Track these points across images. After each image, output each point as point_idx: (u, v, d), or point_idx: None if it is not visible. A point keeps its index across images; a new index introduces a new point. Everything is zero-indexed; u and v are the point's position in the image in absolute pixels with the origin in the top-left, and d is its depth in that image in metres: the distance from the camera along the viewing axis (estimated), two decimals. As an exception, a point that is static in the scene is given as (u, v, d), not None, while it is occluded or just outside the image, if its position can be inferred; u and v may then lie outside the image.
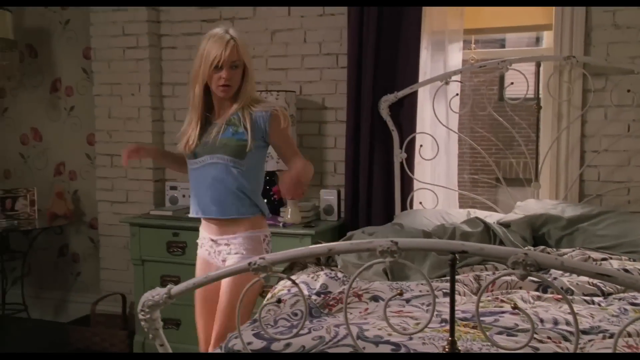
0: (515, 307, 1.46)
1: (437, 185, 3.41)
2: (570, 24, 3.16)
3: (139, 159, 2.79)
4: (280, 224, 3.30)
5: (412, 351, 1.59)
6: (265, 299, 2.34)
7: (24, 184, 4.26)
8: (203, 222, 2.46)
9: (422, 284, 2.23)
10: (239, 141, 2.30)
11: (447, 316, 1.77)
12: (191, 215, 2.46)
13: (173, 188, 3.86)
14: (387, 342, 1.64)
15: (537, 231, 2.81)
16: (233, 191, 2.33)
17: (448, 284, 2.10)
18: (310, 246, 1.77)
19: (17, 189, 4.02)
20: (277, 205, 3.48)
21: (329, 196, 3.52)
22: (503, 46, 5.35)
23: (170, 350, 1.75)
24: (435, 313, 1.90)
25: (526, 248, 2.57)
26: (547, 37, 3.42)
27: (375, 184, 3.44)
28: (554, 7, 3.21)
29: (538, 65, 3.26)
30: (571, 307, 1.35)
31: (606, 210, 2.88)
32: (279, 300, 1.93)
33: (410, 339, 1.67)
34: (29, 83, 4.31)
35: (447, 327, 1.76)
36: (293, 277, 2.39)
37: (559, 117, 3.22)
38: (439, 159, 3.41)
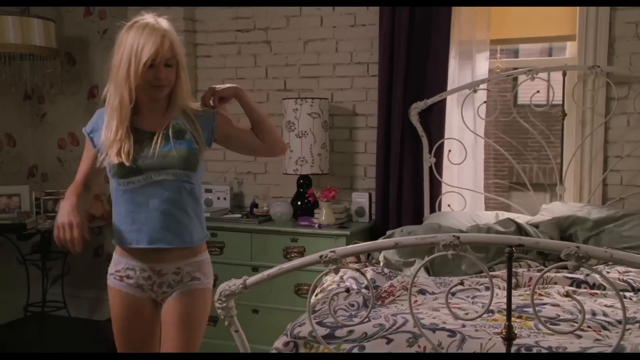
0: (567, 294, 1.61)
1: (465, 189, 3.56)
2: (594, 34, 3.31)
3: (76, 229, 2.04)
4: (316, 225, 3.45)
5: (467, 337, 1.74)
6: (314, 294, 2.48)
7: (61, 186, 4.42)
8: (132, 250, 2.06)
9: (463, 279, 2.38)
10: (190, 150, 2.01)
11: (493, 307, 1.93)
12: (126, 245, 2.06)
13: (208, 191, 4.01)
14: (443, 329, 1.79)
15: (564, 232, 2.96)
16: (188, 213, 2.03)
17: (486, 279, 2.26)
18: (378, 241, 1.92)
19: (58, 191, 4.18)
20: (311, 207, 3.64)
21: (360, 199, 3.67)
22: (517, 55, 5.51)
23: (244, 336, 1.89)
24: (481, 304, 2.06)
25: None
26: (571, 47, 3.57)
27: (405, 187, 3.60)
28: (577, 19, 3.36)
29: (564, 75, 3.40)
30: (621, 299, 1.50)
31: (630, 212, 3.03)
32: (348, 290, 2.05)
33: (464, 326, 1.82)
34: (67, 90, 4.48)
35: (495, 316, 1.92)
36: (335, 277, 2.55)
37: (583, 124, 3.37)
38: (466, 164, 3.56)
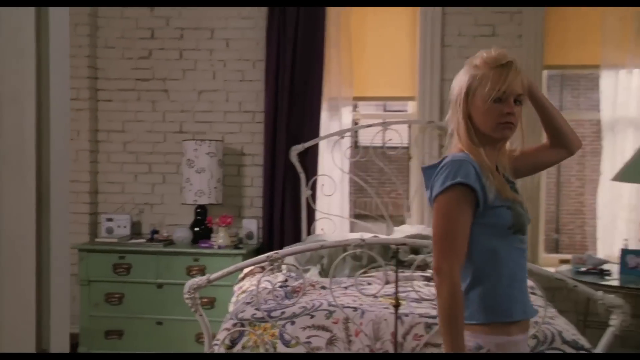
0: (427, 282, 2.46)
1: (335, 215, 4.42)
2: (430, 97, 4.37)
3: None
4: (216, 246, 4.10)
5: (365, 311, 2.53)
6: (237, 294, 3.15)
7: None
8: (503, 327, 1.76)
9: (346, 279, 3.20)
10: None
11: (377, 295, 2.74)
12: (512, 319, 1.77)
13: (109, 220, 4.48)
14: (348, 307, 2.57)
15: (413, 246, 3.89)
16: None
17: (369, 278, 3.11)
18: (306, 244, 2.66)
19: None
20: (208, 232, 4.28)
21: (249, 225, 4.39)
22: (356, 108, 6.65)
23: (206, 320, 2.51)
24: (367, 294, 2.87)
25: (410, 256, 3.63)
26: (412, 106, 4.62)
27: (287, 214, 4.37)
28: (417, 84, 4.41)
29: (409, 126, 4.42)
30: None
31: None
32: (290, 289, 2.73)
33: (361, 305, 2.62)
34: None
35: (380, 299, 2.74)
36: (251, 282, 3.25)
37: (423, 164, 4.39)
38: (335, 195, 4.42)
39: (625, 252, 3.72)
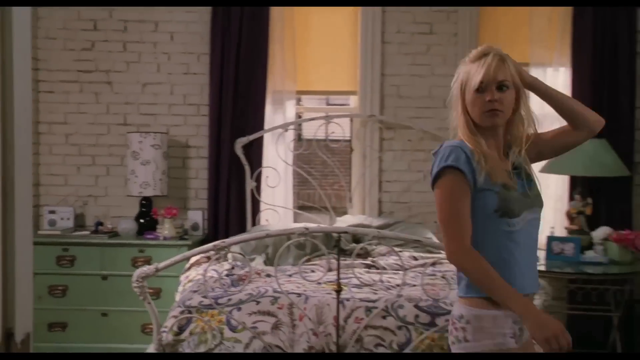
0: (368, 268, 2.61)
1: (279, 207, 4.52)
2: (370, 92, 4.52)
3: None
4: (161, 237, 4.15)
5: (309, 297, 2.66)
6: (184, 283, 3.22)
7: None
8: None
9: (290, 267, 3.32)
10: None
11: (320, 281, 2.87)
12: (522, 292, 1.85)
13: (52, 212, 4.46)
14: (292, 293, 2.69)
15: (355, 235, 4.04)
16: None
17: (312, 266, 3.23)
18: (252, 233, 2.76)
19: None
20: (153, 223, 4.32)
21: (195, 216, 4.45)
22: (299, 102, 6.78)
23: (155, 308, 2.58)
24: (310, 281, 2.99)
25: (352, 245, 3.77)
26: (354, 100, 4.76)
27: (232, 206, 4.45)
28: (358, 79, 4.55)
29: (351, 120, 4.56)
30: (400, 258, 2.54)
31: (399, 220, 4.24)
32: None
33: (305, 291, 2.74)
34: None
35: (322, 286, 2.87)
36: (198, 271, 3.33)
37: (364, 157, 4.55)
38: (279, 187, 4.52)
39: (550, 239, 3.97)
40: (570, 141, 2.05)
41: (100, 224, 4.38)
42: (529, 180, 1.96)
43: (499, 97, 1.89)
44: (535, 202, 1.94)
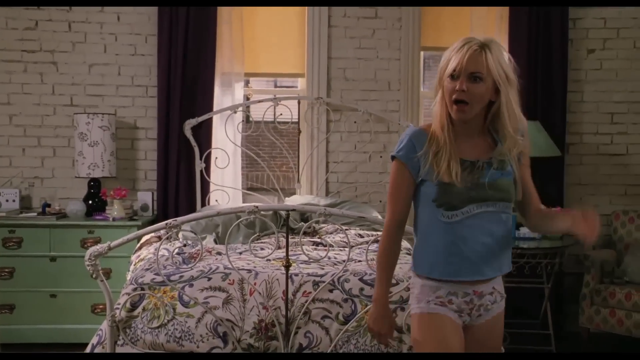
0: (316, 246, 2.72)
1: (228, 187, 4.59)
2: (318, 74, 4.62)
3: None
4: (111, 218, 4.17)
5: (259, 272, 2.76)
6: (135, 262, 3.28)
7: None
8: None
9: (240, 245, 3.41)
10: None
11: (270, 257, 2.97)
12: (430, 276, 2.01)
13: (-5, 194, 4.41)
14: (243, 269, 2.79)
15: (304, 214, 4.16)
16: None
17: (262, 244, 3.34)
18: (203, 212, 2.83)
19: None
20: (102, 205, 4.33)
21: (144, 197, 4.47)
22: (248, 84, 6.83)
23: (107, 285, 2.63)
24: (260, 257, 3.09)
25: (300, 223, 3.88)
26: (301, 82, 4.85)
27: (181, 187, 4.50)
28: (305, 61, 4.64)
29: (299, 102, 4.66)
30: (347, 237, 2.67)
31: (346, 200, 4.38)
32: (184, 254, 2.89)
33: (255, 267, 2.84)
34: None
35: (272, 262, 2.97)
36: (147, 251, 3.38)
37: (312, 138, 4.66)
38: (229, 168, 4.59)
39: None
40: (519, 204, 2.10)
41: (47, 205, 4.36)
42: (503, 172, 1.98)
43: (467, 87, 1.90)
44: (492, 195, 1.95)
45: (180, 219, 2.61)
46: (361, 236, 3.80)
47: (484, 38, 1.94)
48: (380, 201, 4.63)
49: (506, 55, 1.98)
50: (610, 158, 4.69)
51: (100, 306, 4.11)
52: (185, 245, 3.35)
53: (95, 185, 4.38)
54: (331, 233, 3.85)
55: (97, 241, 4.09)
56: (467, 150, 1.99)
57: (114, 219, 4.17)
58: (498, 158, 1.98)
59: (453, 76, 1.92)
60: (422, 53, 4.71)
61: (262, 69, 4.80)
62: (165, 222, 2.59)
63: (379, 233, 3.76)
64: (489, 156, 1.99)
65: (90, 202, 4.34)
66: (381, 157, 4.65)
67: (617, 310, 4.11)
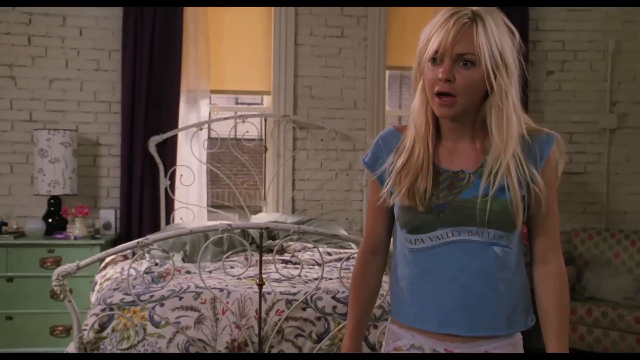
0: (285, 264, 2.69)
1: (193, 205, 4.52)
2: (284, 92, 4.62)
3: None
4: (72, 237, 4.05)
5: (231, 292, 2.72)
6: (101, 282, 3.19)
7: None
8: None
9: (209, 263, 3.36)
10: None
11: (241, 277, 2.93)
12: (400, 320, 1.55)
13: (-50, 212, 4.24)
14: (214, 288, 2.74)
15: (271, 232, 4.13)
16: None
17: (232, 262, 3.29)
18: (176, 230, 2.78)
19: None
20: (63, 223, 4.20)
21: (107, 215, 4.37)
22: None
23: (75, 306, 2.55)
24: (231, 276, 3.05)
25: (268, 242, 3.85)
26: (267, 100, 4.84)
27: (145, 204, 4.41)
28: (271, 79, 4.63)
29: (265, 120, 4.64)
30: (320, 254, 2.65)
31: (312, 217, 4.36)
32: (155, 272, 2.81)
33: (226, 286, 2.80)
34: None
35: (243, 281, 2.94)
36: (114, 270, 3.30)
37: (279, 156, 4.64)
38: (194, 185, 4.53)
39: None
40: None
41: (4, 224, 4.21)
42: (497, 187, 1.41)
43: (454, 75, 1.40)
44: (473, 219, 1.42)
45: (152, 237, 2.55)
46: (329, 254, 3.79)
47: (472, 8, 1.44)
48: (347, 219, 4.64)
49: (506, 31, 1.47)
50: (570, 177, 4.81)
51: (60, 328, 3.97)
52: (156, 264, 3.28)
53: (55, 203, 4.25)
54: (299, 251, 3.83)
55: (58, 260, 3.97)
56: (448, 157, 1.50)
57: (75, 238, 4.05)
58: (489, 169, 1.43)
59: (435, 60, 1.43)
60: (387, 72, 4.77)
61: (228, 86, 4.78)
62: (137, 240, 2.53)
63: (348, 251, 3.79)
64: (478, 166, 1.48)
65: (50, 220, 4.21)
66: (347, 174, 4.67)
67: (578, 326, 4.19)
